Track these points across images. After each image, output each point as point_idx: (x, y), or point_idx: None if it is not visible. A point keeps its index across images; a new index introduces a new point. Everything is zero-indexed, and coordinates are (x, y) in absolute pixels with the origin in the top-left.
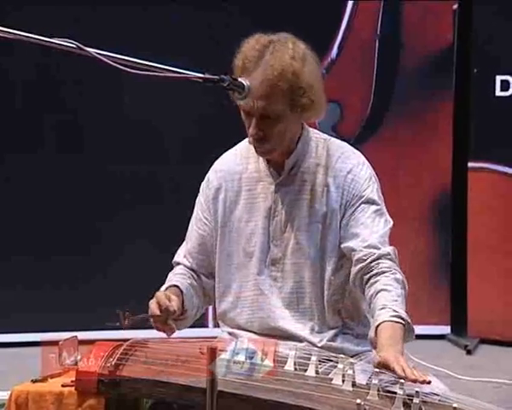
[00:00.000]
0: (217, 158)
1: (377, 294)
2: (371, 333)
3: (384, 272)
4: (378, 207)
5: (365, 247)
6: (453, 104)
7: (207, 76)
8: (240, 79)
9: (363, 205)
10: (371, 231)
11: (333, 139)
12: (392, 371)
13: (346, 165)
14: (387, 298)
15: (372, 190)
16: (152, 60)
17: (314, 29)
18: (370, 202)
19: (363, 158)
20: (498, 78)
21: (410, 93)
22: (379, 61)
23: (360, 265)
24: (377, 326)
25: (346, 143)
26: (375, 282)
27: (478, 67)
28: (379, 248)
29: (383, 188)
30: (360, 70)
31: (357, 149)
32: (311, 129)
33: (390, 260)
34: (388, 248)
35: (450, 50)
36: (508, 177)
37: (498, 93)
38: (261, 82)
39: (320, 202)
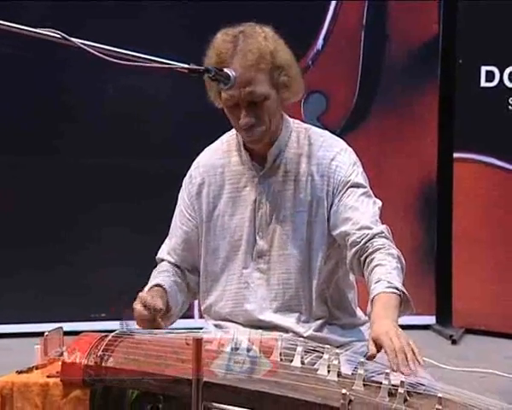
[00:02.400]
0: (199, 152)
1: (372, 270)
2: (368, 308)
3: (378, 249)
4: (365, 189)
5: (358, 229)
6: (438, 95)
7: (193, 67)
8: (225, 70)
9: (350, 189)
10: (361, 212)
11: (314, 128)
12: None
13: (329, 153)
14: (382, 271)
15: (357, 174)
16: (137, 51)
17: (300, 20)
18: (357, 185)
19: (345, 144)
20: (483, 68)
21: (396, 84)
22: (364, 51)
23: (355, 247)
24: (372, 299)
25: (327, 132)
26: (371, 260)
27: (463, 58)
28: (371, 228)
29: (368, 179)
30: (346, 61)
31: (342, 139)
32: (291, 119)
33: (384, 237)
34: (381, 227)
35: (435, 41)
36: (493, 167)
37: (483, 84)
38: (243, 69)
39: (305, 192)
